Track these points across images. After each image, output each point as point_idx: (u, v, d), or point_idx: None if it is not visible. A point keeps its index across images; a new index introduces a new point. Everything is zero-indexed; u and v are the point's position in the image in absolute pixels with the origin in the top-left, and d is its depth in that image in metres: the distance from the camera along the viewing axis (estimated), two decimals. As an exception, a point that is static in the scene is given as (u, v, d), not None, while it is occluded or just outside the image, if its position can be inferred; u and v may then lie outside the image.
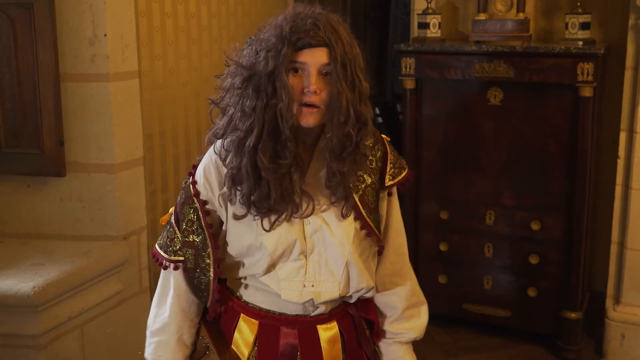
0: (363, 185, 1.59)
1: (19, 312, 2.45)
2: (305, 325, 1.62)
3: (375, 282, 1.69)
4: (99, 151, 2.77)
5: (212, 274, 1.58)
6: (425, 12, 3.44)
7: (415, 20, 3.57)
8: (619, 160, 3.15)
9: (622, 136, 3.12)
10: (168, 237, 1.62)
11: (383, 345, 1.78)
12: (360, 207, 1.57)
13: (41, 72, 2.66)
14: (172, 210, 1.66)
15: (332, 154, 1.48)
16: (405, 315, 1.75)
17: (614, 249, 3.22)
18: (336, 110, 1.44)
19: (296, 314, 1.61)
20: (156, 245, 1.66)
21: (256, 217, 1.51)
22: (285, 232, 1.53)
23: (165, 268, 1.63)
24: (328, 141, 1.48)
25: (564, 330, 3.25)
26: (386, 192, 1.66)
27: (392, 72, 5.96)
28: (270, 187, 1.47)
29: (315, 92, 1.43)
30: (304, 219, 1.54)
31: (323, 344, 1.64)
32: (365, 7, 6.11)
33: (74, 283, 2.59)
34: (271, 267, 1.56)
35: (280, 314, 1.62)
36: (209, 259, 1.58)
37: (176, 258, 1.61)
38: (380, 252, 1.66)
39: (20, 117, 2.71)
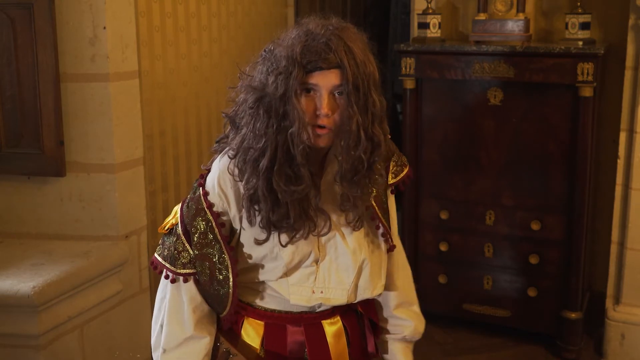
0: (375, 186, 1.58)
1: (19, 312, 2.45)
2: (310, 321, 1.63)
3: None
4: (99, 151, 2.77)
5: (231, 286, 1.55)
6: (425, 12, 3.44)
7: (415, 20, 3.57)
8: (619, 160, 3.15)
9: (622, 136, 3.12)
10: (175, 249, 1.58)
11: (382, 341, 1.79)
12: (376, 207, 1.58)
13: (41, 72, 2.66)
14: (170, 219, 1.62)
15: (343, 179, 1.46)
16: (396, 314, 1.76)
17: (614, 249, 3.22)
18: (346, 134, 1.42)
19: (301, 311, 1.62)
20: (157, 257, 1.62)
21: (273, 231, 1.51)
22: (301, 244, 1.52)
23: (174, 281, 1.59)
24: (338, 166, 1.46)
25: (564, 330, 3.25)
26: (389, 190, 1.66)
27: (392, 72, 5.95)
28: (289, 207, 1.45)
29: (327, 114, 1.41)
30: (320, 236, 1.54)
31: (329, 338, 1.64)
32: (365, 7, 6.10)
33: (74, 283, 2.59)
34: (284, 275, 1.56)
35: (287, 312, 1.62)
36: (227, 271, 1.55)
37: (186, 271, 1.57)
38: (390, 250, 1.66)
39: (20, 117, 2.71)
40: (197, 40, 3.37)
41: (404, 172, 1.66)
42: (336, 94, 1.42)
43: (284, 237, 1.50)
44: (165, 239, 1.63)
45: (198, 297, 1.60)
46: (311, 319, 1.63)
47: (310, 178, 1.45)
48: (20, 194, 2.84)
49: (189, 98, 3.34)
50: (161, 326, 1.63)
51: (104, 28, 2.68)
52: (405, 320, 1.76)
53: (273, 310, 1.62)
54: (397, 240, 1.71)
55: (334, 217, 1.54)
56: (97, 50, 2.70)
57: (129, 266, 2.90)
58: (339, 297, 1.58)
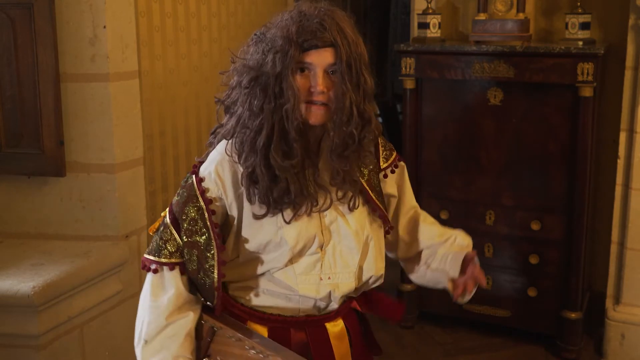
0: (366, 171, 1.63)
1: (19, 312, 2.45)
2: (314, 324, 1.63)
3: (405, 245, 1.80)
4: (99, 151, 2.77)
5: (216, 276, 1.54)
6: (425, 12, 3.44)
7: (415, 20, 3.57)
8: (619, 160, 3.15)
9: (622, 136, 3.12)
10: (161, 239, 1.57)
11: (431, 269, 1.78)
12: (369, 190, 1.61)
13: (41, 72, 2.66)
14: (161, 219, 1.62)
15: (333, 153, 1.50)
16: (438, 241, 1.82)
17: (614, 249, 3.22)
18: (339, 110, 1.47)
19: (306, 315, 1.62)
20: (145, 255, 1.61)
21: (275, 213, 1.52)
22: (305, 226, 1.54)
23: (156, 272, 1.57)
24: (330, 140, 1.50)
25: (564, 330, 3.25)
26: (382, 174, 1.70)
27: (392, 72, 5.96)
28: (289, 182, 1.48)
29: (323, 91, 1.46)
30: (322, 212, 1.56)
31: (332, 340, 1.65)
32: (365, 7, 6.11)
33: (74, 283, 2.59)
34: (289, 263, 1.56)
35: (291, 317, 1.61)
36: (213, 260, 1.54)
37: (171, 260, 1.56)
38: (387, 232, 1.70)
39: (20, 117, 2.71)
40: (197, 40, 3.37)
41: (393, 157, 1.73)
42: (330, 72, 1.47)
43: (287, 214, 1.52)
44: (154, 235, 1.63)
45: (181, 286, 1.57)
46: (315, 322, 1.63)
47: (302, 153, 1.48)
48: (20, 194, 2.84)
49: (189, 98, 3.34)
50: (142, 323, 1.58)
51: (104, 28, 2.68)
52: (449, 236, 1.82)
53: (277, 315, 1.62)
54: (414, 203, 1.84)
55: (334, 199, 1.58)
56: (97, 50, 2.70)
57: (129, 266, 2.90)
58: (347, 281, 1.59)
